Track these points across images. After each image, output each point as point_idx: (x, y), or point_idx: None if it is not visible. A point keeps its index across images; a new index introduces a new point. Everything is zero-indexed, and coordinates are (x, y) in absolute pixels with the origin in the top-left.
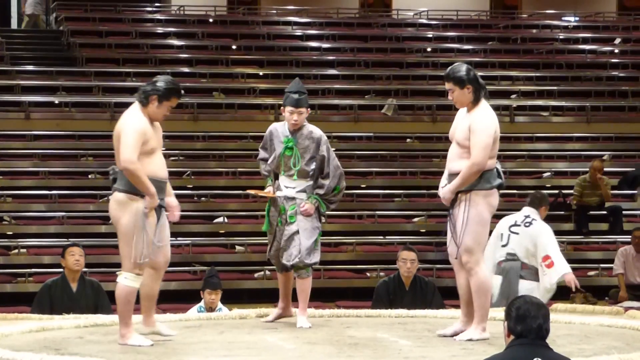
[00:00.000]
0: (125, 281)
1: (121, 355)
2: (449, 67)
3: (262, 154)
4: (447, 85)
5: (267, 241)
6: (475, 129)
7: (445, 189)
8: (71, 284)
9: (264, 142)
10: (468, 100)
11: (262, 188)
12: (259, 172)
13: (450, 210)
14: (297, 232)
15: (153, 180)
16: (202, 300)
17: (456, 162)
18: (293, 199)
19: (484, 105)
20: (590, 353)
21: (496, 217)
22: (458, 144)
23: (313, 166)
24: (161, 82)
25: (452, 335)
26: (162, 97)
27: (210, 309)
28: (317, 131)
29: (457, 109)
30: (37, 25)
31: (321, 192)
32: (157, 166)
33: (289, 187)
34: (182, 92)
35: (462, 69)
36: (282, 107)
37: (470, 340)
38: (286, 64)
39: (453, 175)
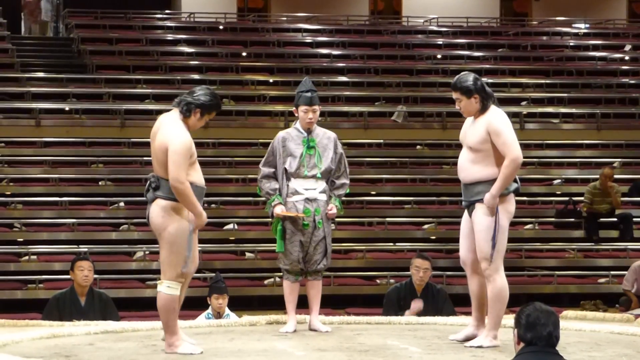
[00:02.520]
0: (168, 289)
1: None
2: (456, 77)
3: (266, 170)
4: (455, 95)
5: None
6: (497, 130)
7: (487, 195)
8: (80, 298)
9: (269, 155)
10: (475, 110)
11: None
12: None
13: (465, 216)
14: (325, 237)
15: (196, 187)
16: (210, 307)
17: (469, 169)
18: (315, 200)
19: (495, 108)
20: None
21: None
22: (471, 149)
23: (333, 165)
24: (205, 95)
25: (463, 340)
26: (204, 111)
27: (218, 314)
28: (328, 131)
29: (465, 118)
30: (45, 32)
31: (342, 192)
32: (199, 174)
33: (309, 189)
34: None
35: (469, 78)
36: (294, 108)
37: (480, 347)
38: (296, 71)
39: (468, 186)
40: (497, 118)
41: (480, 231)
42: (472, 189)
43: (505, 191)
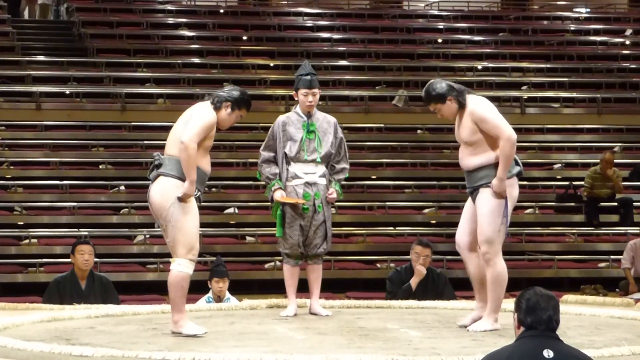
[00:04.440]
0: (179, 267)
1: (132, 345)
2: (423, 91)
3: (266, 155)
4: (431, 107)
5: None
6: (481, 117)
7: (495, 180)
8: (80, 281)
9: (269, 140)
10: (455, 110)
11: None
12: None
13: (469, 201)
14: (325, 221)
15: (200, 171)
16: (210, 291)
17: (469, 159)
18: (315, 184)
19: (472, 98)
20: (601, 345)
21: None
22: (466, 143)
23: (333, 149)
24: (235, 91)
25: (469, 324)
26: (235, 105)
27: (219, 298)
28: (328, 115)
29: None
30: (46, 15)
31: (342, 176)
32: (207, 162)
33: (309, 173)
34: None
35: (434, 86)
36: (294, 92)
37: (481, 331)
38: (297, 55)
39: (471, 173)
40: (478, 106)
41: (484, 214)
42: (475, 175)
43: (508, 174)
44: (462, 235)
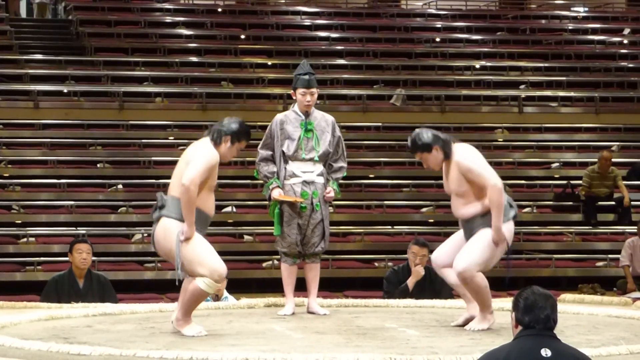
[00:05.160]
0: (203, 285)
1: (130, 344)
2: (409, 140)
3: (264, 153)
4: (417, 157)
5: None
6: (466, 167)
7: (492, 232)
8: (78, 280)
9: (266, 138)
10: (440, 160)
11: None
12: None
13: (461, 234)
14: (322, 220)
15: (203, 213)
16: None
17: (463, 209)
18: (312, 183)
19: (457, 148)
20: (599, 344)
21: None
22: (457, 195)
23: (331, 148)
24: (234, 123)
25: (463, 324)
26: (234, 138)
27: (217, 296)
28: (326, 114)
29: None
30: (44, 14)
31: (339, 175)
32: (211, 203)
33: (307, 171)
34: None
35: (421, 136)
36: (292, 91)
37: (479, 329)
38: (295, 53)
39: (467, 222)
40: (463, 157)
41: (479, 245)
42: (471, 223)
43: (505, 219)
44: (444, 257)
